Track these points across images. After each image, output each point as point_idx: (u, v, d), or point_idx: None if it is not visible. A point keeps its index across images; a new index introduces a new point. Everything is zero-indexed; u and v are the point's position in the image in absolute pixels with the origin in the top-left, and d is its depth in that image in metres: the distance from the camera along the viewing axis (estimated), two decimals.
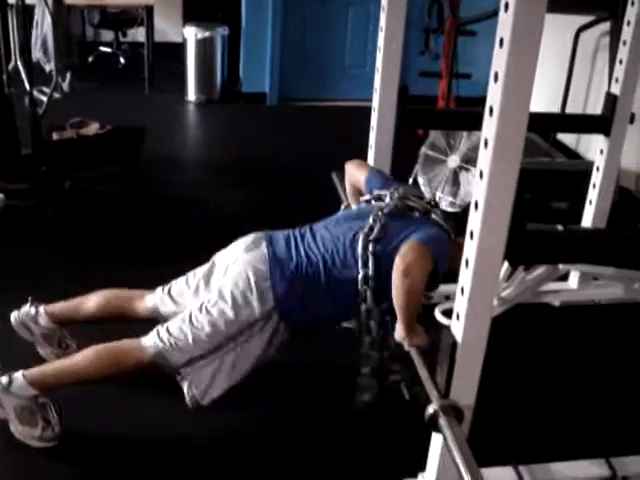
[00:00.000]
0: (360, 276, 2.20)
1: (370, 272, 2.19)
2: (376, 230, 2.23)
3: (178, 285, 2.46)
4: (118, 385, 2.50)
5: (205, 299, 2.28)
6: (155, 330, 2.29)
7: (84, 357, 2.26)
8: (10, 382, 2.22)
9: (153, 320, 2.41)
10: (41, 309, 2.57)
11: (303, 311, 2.27)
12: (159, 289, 2.49)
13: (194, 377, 2.22)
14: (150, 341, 2.25)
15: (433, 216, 2.33)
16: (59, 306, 2.58)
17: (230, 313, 2.21)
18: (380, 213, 2.28)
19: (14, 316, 2.58)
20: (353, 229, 2.29)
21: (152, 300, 2.48)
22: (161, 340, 2.24)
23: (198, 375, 2.22)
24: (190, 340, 2.21)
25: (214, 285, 2.34)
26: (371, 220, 2.26)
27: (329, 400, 2.58)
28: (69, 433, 2.30)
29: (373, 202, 2.41)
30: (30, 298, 2.60)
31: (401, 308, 2.05)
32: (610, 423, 2.56)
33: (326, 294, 2.26)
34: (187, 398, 2.24)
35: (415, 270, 2.03)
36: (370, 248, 2.21)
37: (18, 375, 2.23)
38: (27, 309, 2.58)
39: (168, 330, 2.26)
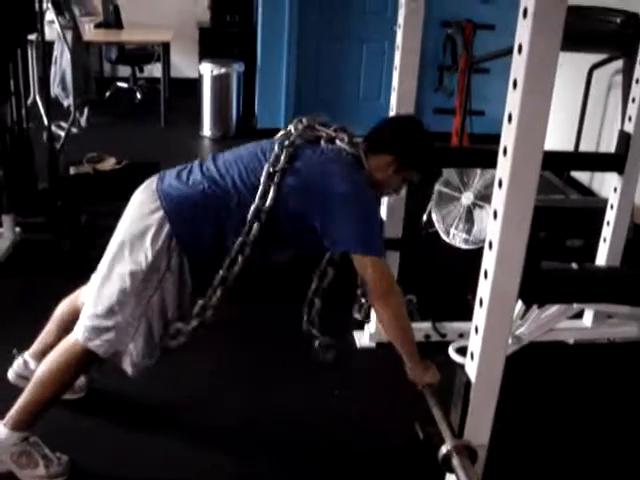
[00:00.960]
0: (253, 207, 2.10)
1: (267, 204, 2.11)
2: (282, 159, 2.14)
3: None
4: (119, 422, 2.54)
5: (106, 262, 2.20)
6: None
7: (38, 379, 2.21)
8: None
9: None
10: (26, 355, 2.56)
11: (200, 243, 2.17)
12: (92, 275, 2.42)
13: (131, 348, 2.15)
14: (77, 331, 2.20)
15: (338, 142, 2.25)
16: (36, 344, 2.56)
17: (129, 265, 2.12)
18: (287, 142, 2.19)
19: (10, 373, 2.57)
20: (259, 157, 2.21)
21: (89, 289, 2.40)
22: (84, 324, 2.18)
23: (134, 345, 2.14)
24: (106, 310, 2.13)
25: (114, 243, 2.22)
26: (276, 148, 2.17)
27: (339, 436, 2.57)
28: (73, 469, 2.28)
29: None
30: (15, 351, 2.60)
31: (398, 342, 2.07)
32: (625, 464, 2.52)
33: (225, 222, 2.16)
34: (130, 371, 2.18)
35: (390, 299, 2.06)
36: (275, 179, 2.12)
37: None
38: (18, 362, 2.57)
39: (86, 311, 2.20)
